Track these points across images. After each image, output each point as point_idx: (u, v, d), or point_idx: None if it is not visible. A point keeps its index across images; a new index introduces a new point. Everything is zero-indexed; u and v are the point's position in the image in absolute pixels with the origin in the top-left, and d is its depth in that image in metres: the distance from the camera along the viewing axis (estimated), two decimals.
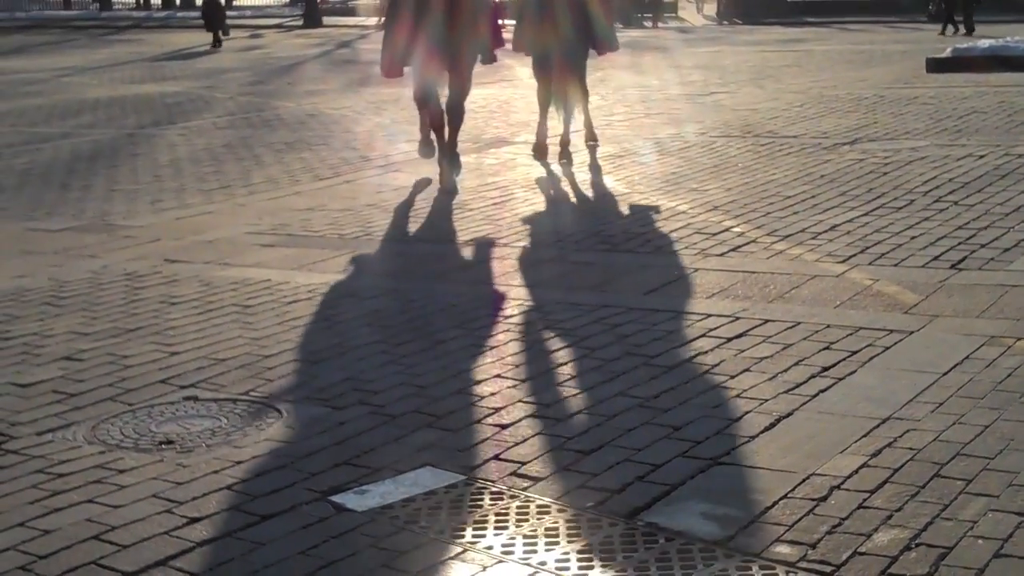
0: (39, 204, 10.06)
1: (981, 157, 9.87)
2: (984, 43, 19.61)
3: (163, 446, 4.53)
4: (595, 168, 10.65)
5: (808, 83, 17.51)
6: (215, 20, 34.29)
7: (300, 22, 47.98)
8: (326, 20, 47.87)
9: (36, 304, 6.77)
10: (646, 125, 13.37)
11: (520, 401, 4.84)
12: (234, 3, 61.50)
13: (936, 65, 18.47)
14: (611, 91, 17.10)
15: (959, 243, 7.08)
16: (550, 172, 10.54)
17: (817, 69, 20.34)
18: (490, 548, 3.62)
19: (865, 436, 4.30)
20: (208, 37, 34.39)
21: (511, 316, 6.11)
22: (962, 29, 29.73)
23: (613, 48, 11.58)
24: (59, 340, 6.02)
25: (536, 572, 3.47)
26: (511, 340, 5.69)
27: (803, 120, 13.02)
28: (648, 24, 40.67)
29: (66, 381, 5.35)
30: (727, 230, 7.82)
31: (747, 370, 5.10)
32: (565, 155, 10.92)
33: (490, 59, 10.45)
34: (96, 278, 7.34)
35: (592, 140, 11.76)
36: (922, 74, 18.07)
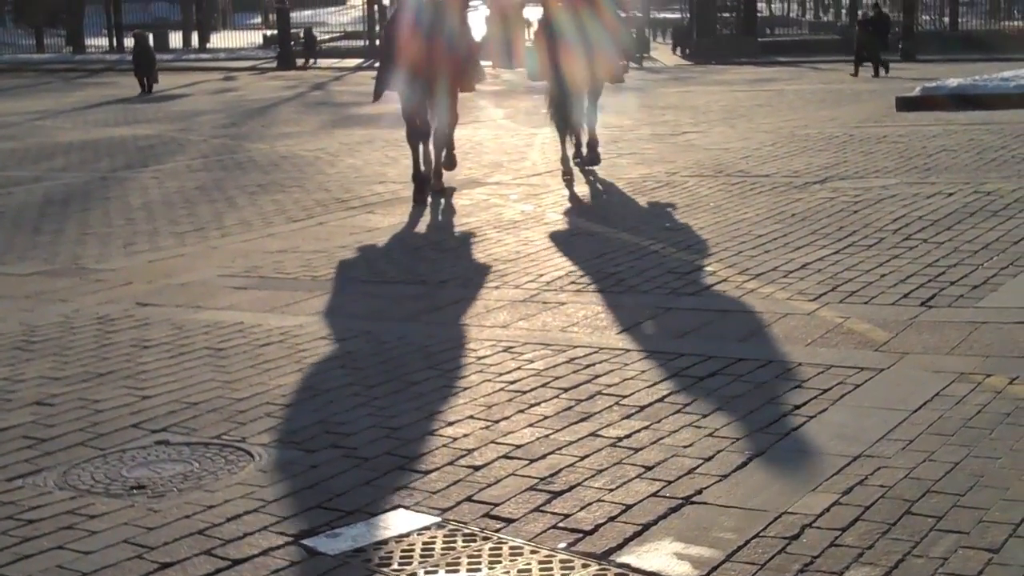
0: (10, 248, 10.04)
1: (950, 195, 9.95)
2: (952, 82, 19.78)
3: (134, 491, 4.51)
4: (566, 208, 10.69)
5: (779, 122, 17.64)
6: (143, 66, 32.94)
7: (274, 64, 48.06)
8: (299, 62, 47.94)
9: (7, 349, 6.74)
10: (618, 165, 13.41)
11: (493, 442, 4.84)
12: (207, 45, 61.65)
13: (906, 104, 18.64)
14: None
15: (929, 280, 7.13)
16: (523, 213, 10.57)
17: (788, 108, 20.49)
18: None
19: (836, 474, 4.32)
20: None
21: (484, 357, 6.11)
22: (882, 71, 29.93)
23: (620, 79, 13.16)
24: (30, 385, 5.99)
25: None
26: (484, 381, 5.70)
27: (774, 159, 13.10)
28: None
29: (37, 426, 5.32)
30: (699, 269, 7.86)
31: (719, 409, 5.12)
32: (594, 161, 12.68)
33: (469, 88, 11.96)
34: (67, 322, 7.32)
35: (596, 163, 12.85)
36: (892, 113, 18.23)
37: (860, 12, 40.51)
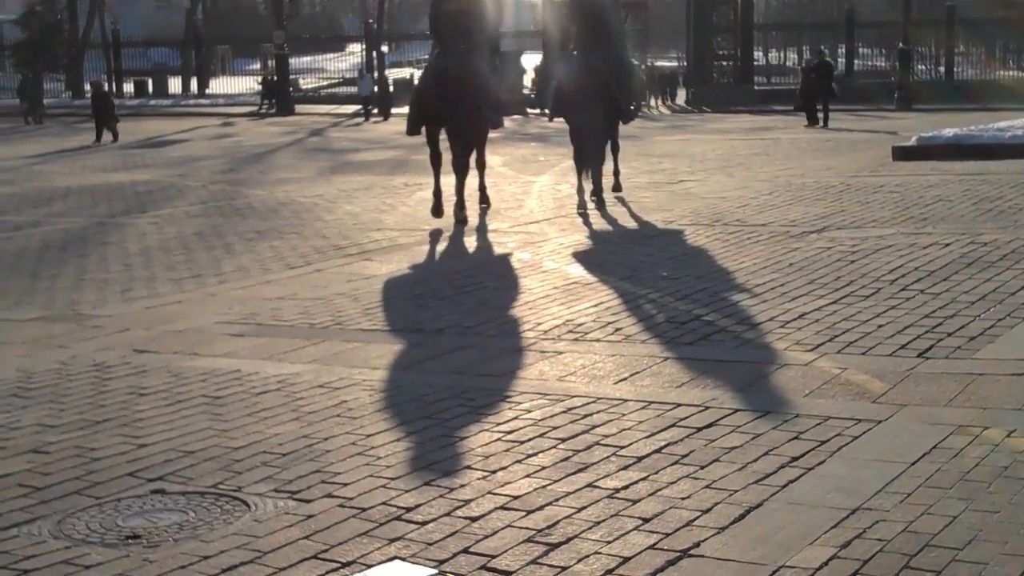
0: (7, 293, 10.04)
1: (947, 245, 9.97)
2: (948, 132, 19.88)
3: (130, 541, 4.49)
4: (564, 256, 10.70)
5: (776, 171, 17.70)
6: (102, 115, 31.81)
7: (272, 110, 48.27)
8: (298, 108, 48.18)
9: (3, 395, 6.72)
10: (616, 213, 13.46)
11: (490, 493, 4.83)
12: (206, 91, 61.90)
13: (902, 153, 18.73)
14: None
15: (926, 331, 7.13)
16: (521, 260, 10.59)
17: (785, 157, 20.58)
18: None
19: (835, 527, 4.31)
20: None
21: (481, 406, 6.10)
22: (819, 122, 30.02)
23: (631, 118, 14.92)
24: (26, 432, 5.97)
25: None
26: (481, 431, 5.69)
27: (771, 208, 13.14)
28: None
29: (32, 474, 5.30)
30: (697, 318, 7.86)
31: (717, 460, 5.11)
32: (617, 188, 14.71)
33: (497, 123, 13.80)
34: (64, 369, 7.30)
35: (618, 190, 14.80)
36: (888, 162, 18.31)
37: (804, 60, 40.71)
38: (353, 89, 49.19)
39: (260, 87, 53.62)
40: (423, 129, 13.28)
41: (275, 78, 51.68)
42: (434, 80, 13.00)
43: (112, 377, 7.04)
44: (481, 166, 13.88)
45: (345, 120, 42.16)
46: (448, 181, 13.15)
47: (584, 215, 13.31)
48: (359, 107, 44.47)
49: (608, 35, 14.00)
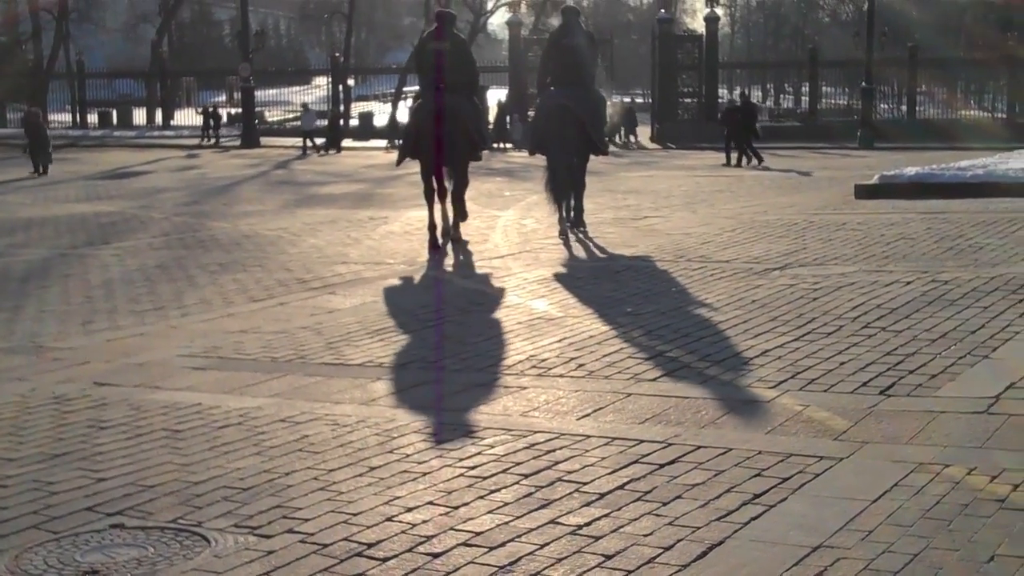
0: None
1: (908, 283, 10.03)
2: (911, 170, 20.05)
3: None
4: (529, 291, 10.71)
5: (740, 208, 17.80)
6: (36, 146, 30.98)
7: (237, 142, 48.21)
8: (264, 140, 48.15)
9: None
10: (580, 249, 13.49)
11: (452, 529, 4.81)
12: (171, 122, 61.74)
13: (865, 191, 18.85)
14: (545, 215, 17.24)
15: (887, 369, 7.17)
16: (485, 295, 10.59)
17: (748, 194, 20.69)
18: None
19: (796, 565, 4.31)
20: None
21: (443, 442, 6.08)
22: (754, 160, 30.36)
23: (604, 152, 15.82)
24: None
25: None
26: (443, 466, 5.67)
27: (735, 245, 13.20)
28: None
29: None
30: (660, 354, 7.87)
31: (679, 497, 5.11)
32: (581, 225, 14.95)
33: (475, 157, 14.54)
34: (24, 401, 7.24)
35: (583, 227, 15.01)
36: (851, 200, 18.43)
37: (726, 101, 41.19)
38: (323, 122, 49.24)
39: (200, 113, 53.73)
40: (419, 164, 13.98)
41: (215, 109, 51.85)
42: (429, 113, 13.57)
43: (72, 410, 6.99)
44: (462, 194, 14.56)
45: (312, 153, 42.12)
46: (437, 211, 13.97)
47: (566, 242, 14.07)
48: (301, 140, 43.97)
49: (584, 74, 14.94)
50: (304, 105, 50.83)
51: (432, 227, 13.77)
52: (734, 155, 31.10)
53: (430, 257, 13.28)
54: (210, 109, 52.95)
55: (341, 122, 45.79)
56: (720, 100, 38.22)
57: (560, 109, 14.59)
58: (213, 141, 49.47)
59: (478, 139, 14.18)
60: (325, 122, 46.50)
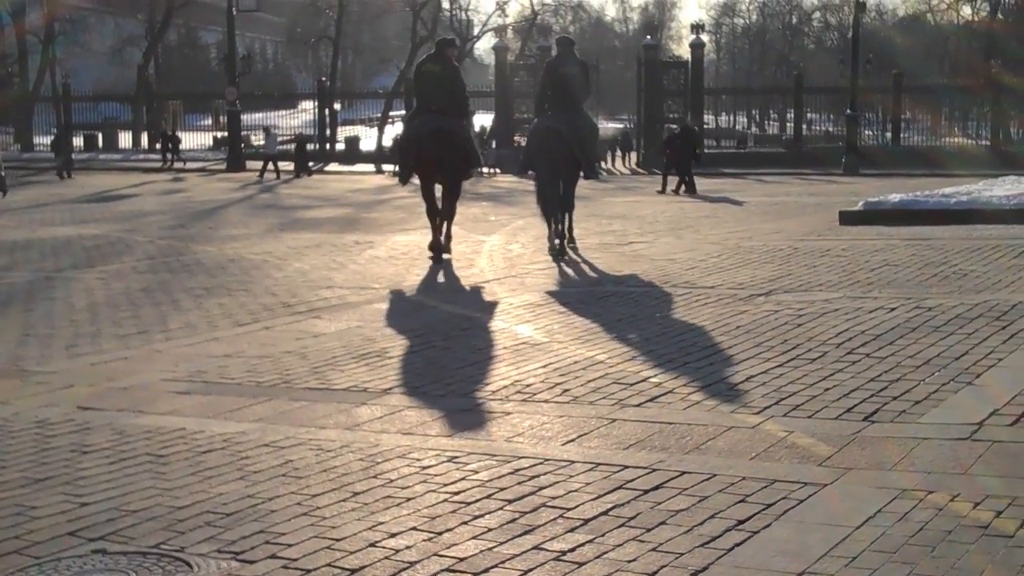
0: None
1: (892, 310, 10.06)
2: (895, 197, 20.12)
3: None
4: (513, 316, 10.71)
5: (725, 234, 17.84)
6: None
7: (223, 165, 48.23)
8: (250, 164, 48.17)
9: None
10: (565, 274, 13.51)
11: (435, 555, 4.80)
12: (156, 146, 61.71)
13: (849, 218, 18.91)
14: (531, 239, 17.29)
15: (871, 395, 7.18)
16: (470, 320, 10.59)
17: (733, 220, 20.75)
18: None
19: None
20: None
21: (428, 467, 6.07)
22: (683, 189, 30.33)
23: (595, 176, 17.24)
24: None
25: None
26: (428, 492, 5.65)
27: (720, 271, 13.23)
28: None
29: None
30: (645, 380, 7.88)
31: (663, 523, 5.10)
32: (571, 241, 15.78)
33: (466, 176, 15.52)
34: (6, 425, 7.21)
35: (572, 243, 15.83)
36: (835, 226, 18.48)
37: (667, 128, 41.27)
38: (310, 146, 49.23)
39: (160, 137, 53.61)
40: (420, 184, 15.22)
41: (173, 133, 51.75)
42: (429, 134, 14.63)
43: (55, 434, 6.96)
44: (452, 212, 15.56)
45: (295, 177, 42.14)
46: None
47: (555, 259, 14.79)
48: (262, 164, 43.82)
49: (576, 101, 15.67)
50: (266, 128, 49.97)
51: (435, 246, 14.92)
52: (672, 182, 30.90)
53: (433, 267, 14.39)
54: (168, 132, 52.76)
55: (308, 146, 45.59)
56: (671, 127, 38.05)
57: (550, 132, 15.27)
58: (170, 164, 49.30)
59: (473, 157, 15.34)
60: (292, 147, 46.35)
